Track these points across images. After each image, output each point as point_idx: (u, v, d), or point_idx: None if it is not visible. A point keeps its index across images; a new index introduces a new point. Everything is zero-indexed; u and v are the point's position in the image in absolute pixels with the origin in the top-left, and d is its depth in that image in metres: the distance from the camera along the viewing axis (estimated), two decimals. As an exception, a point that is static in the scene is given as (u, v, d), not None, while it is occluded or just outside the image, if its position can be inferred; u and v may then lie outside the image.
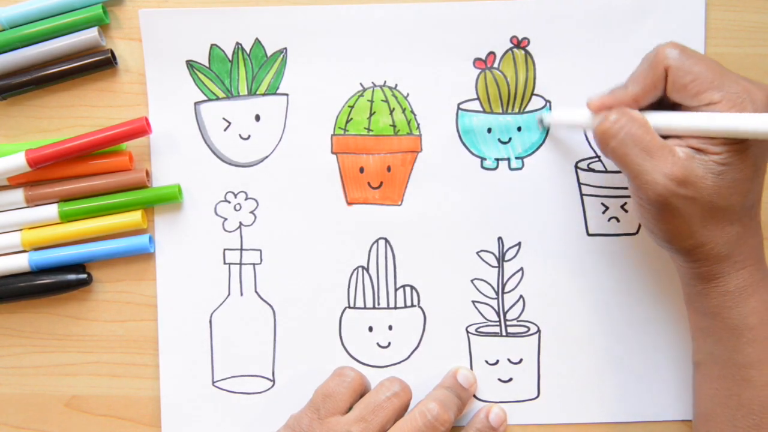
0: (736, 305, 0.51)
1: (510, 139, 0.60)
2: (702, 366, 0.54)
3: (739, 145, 0.48)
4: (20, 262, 0.59)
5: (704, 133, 0.49)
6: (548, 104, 0.59)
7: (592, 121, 0.53)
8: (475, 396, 0.61)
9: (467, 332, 0.60)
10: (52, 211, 0.59)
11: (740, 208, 0.50)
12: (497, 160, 0.60)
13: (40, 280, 0.59)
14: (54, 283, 0.59)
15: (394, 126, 0.60)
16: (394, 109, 0.59)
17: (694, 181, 0.48)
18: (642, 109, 0.51)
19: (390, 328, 0.60)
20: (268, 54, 0.59)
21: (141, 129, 0.57)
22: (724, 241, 0.50)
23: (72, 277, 0.59)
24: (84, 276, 0.59)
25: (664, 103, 0.52)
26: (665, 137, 0.50)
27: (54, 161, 0.58)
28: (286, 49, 0.59)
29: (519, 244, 0.60)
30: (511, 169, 0.60)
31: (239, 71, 0.59)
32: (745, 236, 0.50)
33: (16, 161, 0.57)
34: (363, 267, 0.60)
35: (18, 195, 0.59)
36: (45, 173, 0.59)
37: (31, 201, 0.59)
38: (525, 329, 0.60)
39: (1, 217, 0.59)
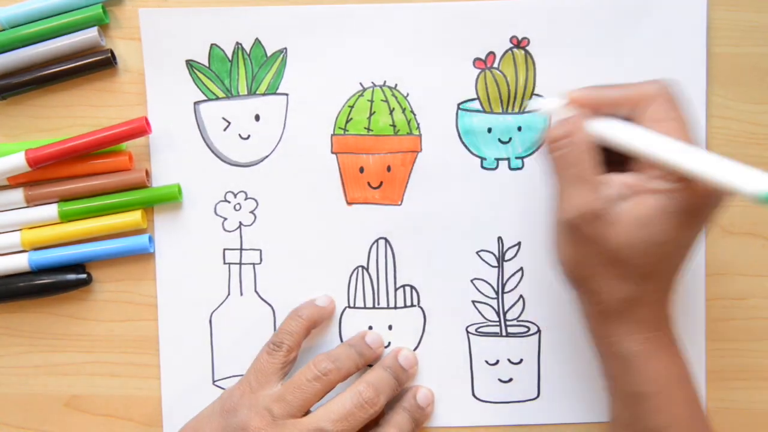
0: (630, 372, 0.49)
1: (510, 138, 0.60)
2: (614, 428, 0.53)
3: (668, 206, 0.46)
4: (20, 262, 0.59)
5: (652, 157, 0.47)
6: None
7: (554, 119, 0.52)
8: (476, 397, 0.61)
9: (467, 332, 0.60)
10: (51, 210, 0.59)
11: (642, 272, 0.48)
12: (497, 160, 0.60)
13: (39, 280, 0.59)
14: (54, 283, 0.59)
15: (394, 126, 0.60)
16: (394, 108, 0.59)
17: (607, 223, 0.47)
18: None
19: (390, 327, 0.60)
20: (268, 54, 0.59)
21: (141, 129, 0.57)
22: (615, 298, 0.49)
23: (72, 277, 0.59)
24: (84, 276, 0.59)
25: None
26: (616, 162, 0.49)
27: (54, 161, 0.58)
28: (286, 48, 0.59)
29: (519, 243, 0.60)
30: (511, 169, 0.60)
31: (239, 71, 0.59)
32: (639, 302, 0.49)
33: (15, 161, 0.57)
34: (363, 267, 0.60)
35: (18, 195, 0.59)
36: (45, 173, 0.59)
37: (31, 201, 0.59)
38: (525, 329, 0.60)
39: (1, 217, 0.59)
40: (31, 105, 0.60)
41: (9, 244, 0.59)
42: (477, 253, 0.60)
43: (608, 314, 0.49)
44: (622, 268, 0.48)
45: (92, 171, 0.59)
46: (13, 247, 0.59)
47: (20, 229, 0.60)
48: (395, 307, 0.60)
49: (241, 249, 0.60)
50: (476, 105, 0.59)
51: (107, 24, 0.59)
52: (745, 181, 0.43)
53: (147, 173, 0.59)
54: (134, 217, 0.59)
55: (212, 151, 0.60)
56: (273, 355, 0.57)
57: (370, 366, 0.59)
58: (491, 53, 0.59)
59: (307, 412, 0.55)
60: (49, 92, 0.60)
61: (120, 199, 0.59)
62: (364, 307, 0.60)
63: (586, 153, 0.48)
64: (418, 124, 0.60)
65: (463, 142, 0.60)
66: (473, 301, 0.60)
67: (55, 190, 0.59)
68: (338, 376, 0.56)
